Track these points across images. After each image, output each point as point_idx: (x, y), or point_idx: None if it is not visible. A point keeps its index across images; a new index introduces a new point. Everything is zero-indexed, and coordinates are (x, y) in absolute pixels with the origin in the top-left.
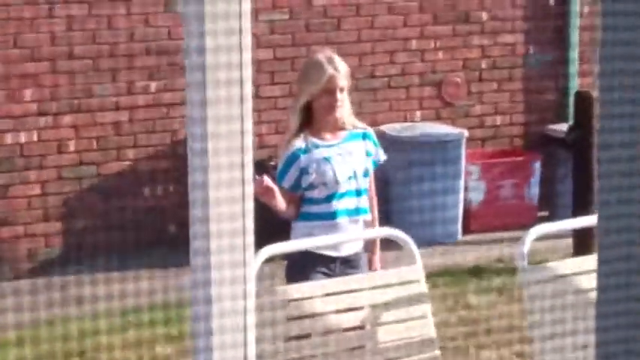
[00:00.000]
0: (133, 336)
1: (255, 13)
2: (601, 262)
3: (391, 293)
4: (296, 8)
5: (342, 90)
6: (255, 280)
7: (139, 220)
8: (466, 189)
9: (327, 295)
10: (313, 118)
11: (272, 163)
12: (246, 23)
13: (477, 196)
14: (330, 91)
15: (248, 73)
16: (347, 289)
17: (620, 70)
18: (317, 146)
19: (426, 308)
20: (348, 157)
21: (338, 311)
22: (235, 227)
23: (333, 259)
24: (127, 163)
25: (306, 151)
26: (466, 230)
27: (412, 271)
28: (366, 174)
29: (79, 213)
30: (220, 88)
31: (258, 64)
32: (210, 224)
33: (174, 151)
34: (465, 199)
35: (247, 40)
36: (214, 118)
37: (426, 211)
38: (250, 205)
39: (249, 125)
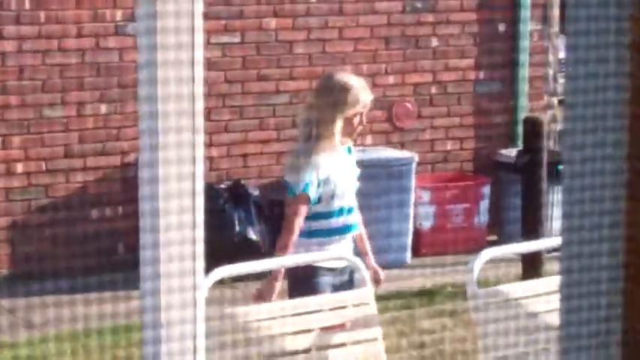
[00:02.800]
0: (86, 358)
1: (207, 36)
2: (564, 285)
3: (341, 316)
4: (247, 31)
5: None
6: (205, 304)
7: (88, 242)
8: (416, 213)
9: (277, 317)
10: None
11: (222, 186)
12: (199, 37)
13: (427, 220)
14: (362, 114)
15: (199, 88)
16: (296, 312)
17: (583, 89)
18: (329, 159)
19: (377, 331)
20: (349, 171)
21: (287, 334)
22: (186, 251)
23: (333, 270)
24: (77, 185)
25: (322, 163)
26: (416, 254)
27: (362, 294)
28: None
29: (27, 235)
30: (171, 114)
31: (208, 87)
32: (161, 249)
33: (124, 174)
34: (415, 223)
35: (199, 54)
36: (166, 132)
37: (376, 234)
38: (201, 232)
39: (200, 154)
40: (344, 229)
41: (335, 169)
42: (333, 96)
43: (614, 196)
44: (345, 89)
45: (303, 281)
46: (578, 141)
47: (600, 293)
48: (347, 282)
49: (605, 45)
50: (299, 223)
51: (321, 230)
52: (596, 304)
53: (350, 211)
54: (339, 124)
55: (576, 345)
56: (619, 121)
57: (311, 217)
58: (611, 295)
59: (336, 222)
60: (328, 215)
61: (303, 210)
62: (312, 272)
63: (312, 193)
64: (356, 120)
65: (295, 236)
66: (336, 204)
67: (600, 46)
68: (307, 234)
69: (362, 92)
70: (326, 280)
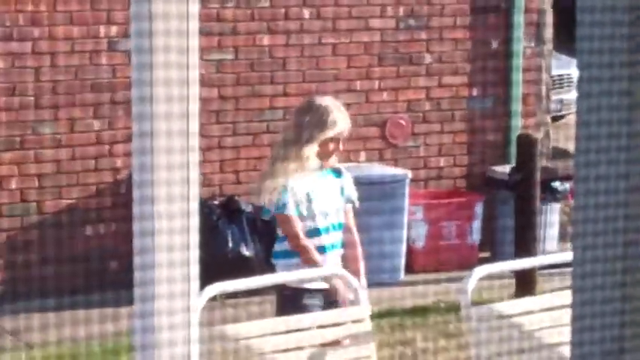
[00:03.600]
0: None
1: (200, 52)
2: (576, 290)
3: (336, 333)
4: (241, 48)
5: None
6: (199, 320)
7: (80, 259)
8: (409, 229)
9: (272, 334)
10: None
11: (215, 202)
12: (194, 57)
13: (420, 237)
14: (339, 139)
15: (195, 107)
16: (291, 329)
17: (597, 105)
18: (303, 180)
19: (371, 348)
20: (328, 192)
21: (279, 351)
22: (180, 273)
23: (320, 291)
24: (69, 201)
25: (296, 184)
26: (409, 270)
27: (357, 311)
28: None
29: (18, 251)
30: (166, 122)
31: (202, 103)
32: (155, 270)
33: (116, 190)
34: (408, 240)
35: (195, 74)
36: (160, 150)
37: (369, 251)
38: (195, 253)
39: (195, 158)
40: (325, 248)
41: (311, 190)
42: (310, 119)
43: (629, 214)
44: (322, 114)
45: (291, 304)
46: (591, 159)
47: (615, 312)
48: (335, 302)
49: (612, 64)
50: (299, 237)
51: (293, 252)
52: (609, 324)
53: (333, 229)
54: (313, 148)
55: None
56: (632, 140)
57: (282, 237)
58: (627, 314)
59: (318, 241)
60: (308, 235)
61: (295, 223)
62: (300, 295)
63: (291, 212)
64: (331, 145)
65: (305, 242)
66: (315, 224)
67: (612, 65)
68: (289, 254)
69: (339, 119)
70: (315, 302)
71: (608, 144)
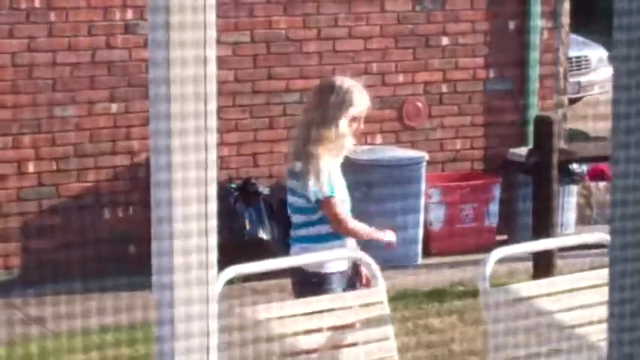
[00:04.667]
0: (95, 357)
1: (217, 34)
2: (613, 276)
3: (354, 315)
4: (257, 30)
5: None
6: (217, 301)
7: (99, 241)
8: (426, 212)
9: (289, 317)
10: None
11: (232, 185)
12: (212, 33)
13: (437, 220)
14: (360, 119)
15: (212, 88)
16: (309, 311)
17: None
18: (335, 162)
19: (389, 330)
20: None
21: (300, 333)
22: (199, 245)
23: (341, 273)
24: (87, 184)
25: (332, 166)
26: (426, 253)
27: (375, 293)
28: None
29: (38, 234)
30: (184, 103)
31: (219, 86)
32: (174, 241)
33: (134, 173)
34: (425, 222)
35: (212, 53)
36: (178, 133)
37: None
38: (213, 224)
39: (213, 140)
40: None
41: (338, 174)
42: (334, 99)
43: None
44: (345, 93)
45: (314, 289)
46: (631, 140)
47: None
48: (351, 285)
49: None
50: (345, 216)
51: (328, 235)
52: None
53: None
54: (344, 129)
55: (624, 338)
56: None
57: (316, 221)
58: None
59: None
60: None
61: (342, 206)
62: (323, 279)
63: (337, 195)
64: (353, 125)
65: (352, 224)
66: (345, 208)
67: None
68: (314, 239)
69: (361, 97)
70: (337, 284)
71: None
